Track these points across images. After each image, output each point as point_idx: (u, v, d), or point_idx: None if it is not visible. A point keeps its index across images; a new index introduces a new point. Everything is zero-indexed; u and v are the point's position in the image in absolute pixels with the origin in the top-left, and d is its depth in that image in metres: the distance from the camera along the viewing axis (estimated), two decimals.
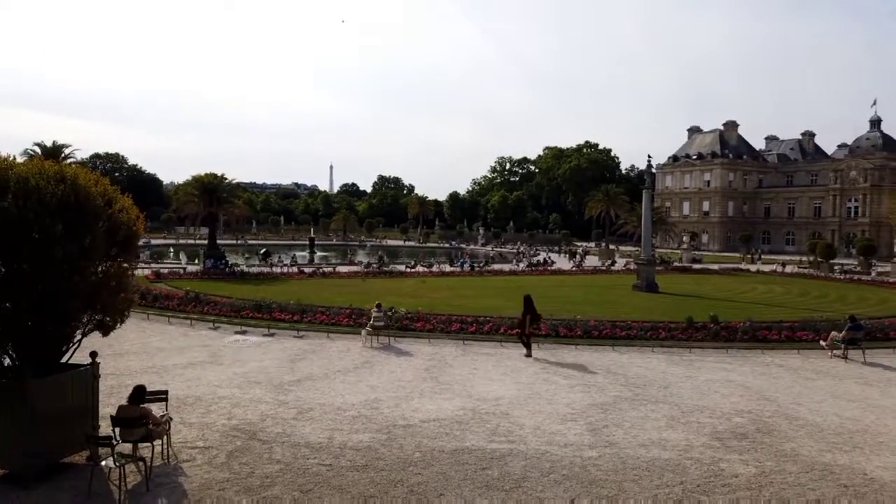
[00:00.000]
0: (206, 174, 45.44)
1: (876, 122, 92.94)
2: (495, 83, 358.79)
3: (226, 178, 46.16)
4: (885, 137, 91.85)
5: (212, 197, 43.85)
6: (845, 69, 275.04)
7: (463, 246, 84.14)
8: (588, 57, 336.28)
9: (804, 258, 62.61)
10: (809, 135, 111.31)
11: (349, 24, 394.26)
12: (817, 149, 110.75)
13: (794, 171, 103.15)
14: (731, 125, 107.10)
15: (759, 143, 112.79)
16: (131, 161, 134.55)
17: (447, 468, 9.11)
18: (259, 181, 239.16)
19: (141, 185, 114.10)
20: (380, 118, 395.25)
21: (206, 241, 50.00)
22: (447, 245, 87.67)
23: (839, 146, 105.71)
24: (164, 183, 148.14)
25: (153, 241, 68.96)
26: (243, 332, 20.17)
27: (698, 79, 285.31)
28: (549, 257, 61.28)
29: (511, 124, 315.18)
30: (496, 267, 51.55)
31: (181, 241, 75.74)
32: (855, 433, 11.15)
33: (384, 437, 10.42)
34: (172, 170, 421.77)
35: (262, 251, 52.94)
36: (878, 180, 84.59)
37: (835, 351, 18.31)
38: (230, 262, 43.75)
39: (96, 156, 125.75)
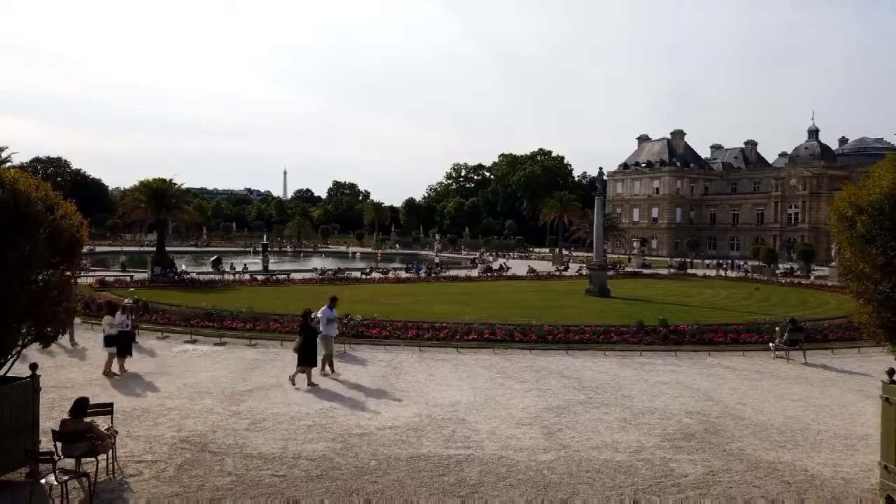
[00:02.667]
0: (155, 179, 44.21)
1: (814, 132, 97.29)
2: (450, 88, 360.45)
3: (175, 184, 45.01)
4: (823, 147, 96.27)
5: (160, 202, 42.67)
6: (786, 79, 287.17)
7: (425, 253, 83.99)
8: (543, 67, 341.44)
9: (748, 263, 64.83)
10: (752, 144, 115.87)
11: (305, 14, 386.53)
12: (759, 157, 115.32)
13: (738, 178, 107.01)
14: (679, 134, 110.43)
15: (704, 152, 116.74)
16: (75, 165, 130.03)
17: (404, 476, 9.08)
18: (210, 186, 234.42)
19: (85, 190, 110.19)
20: (335, 118, 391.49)
21: (154, 248, 48.63)
22: (406, 252, 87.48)
23: (780, 155, 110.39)
24: (110, 188, 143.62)
25: (98, 248, 66.69)
26: (193, 342, 19.67)
27: (647, 90, 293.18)
28: (505, 263, 61.84)
29: (468, 130, 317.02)
30: (452, 273, 51.71)
31: (128, 248, 73.43)
32: (797, 431, 11.59)
33: (339, 445, 10.31)
34: (119, 175, 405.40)
35: (213, 258, 51.78)
36: (816, 188, 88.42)
37: (777, 352, 19.01)
38: (179, 270, 42.65)
39: (37, 160, 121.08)
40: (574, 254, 77.47)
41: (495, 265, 58.68)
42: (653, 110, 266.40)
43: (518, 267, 58.57)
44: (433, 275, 48.85)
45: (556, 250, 77.50)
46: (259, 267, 51.20)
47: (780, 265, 61.66)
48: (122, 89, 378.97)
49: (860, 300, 8.65)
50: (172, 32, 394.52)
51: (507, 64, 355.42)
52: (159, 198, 42.69)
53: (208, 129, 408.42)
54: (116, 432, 9.54)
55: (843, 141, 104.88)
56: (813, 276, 53.29)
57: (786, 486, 8.95)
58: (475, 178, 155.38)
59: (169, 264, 42.02)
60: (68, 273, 9.48)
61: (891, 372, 8.61)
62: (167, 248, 47.27)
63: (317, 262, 60.76)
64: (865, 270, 8.31)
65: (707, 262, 72.15)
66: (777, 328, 20.16)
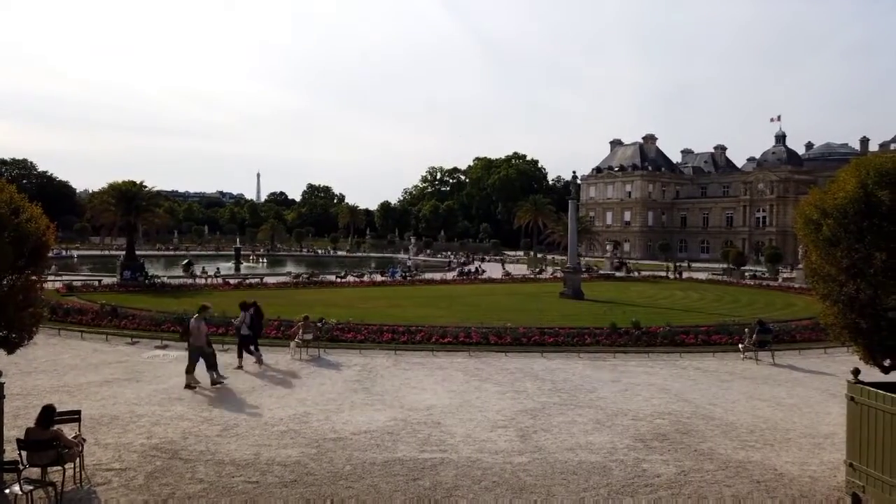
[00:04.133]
0: (124, 181, 43.39)
1: (781, 138, 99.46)
2: (427, 88, 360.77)
3: (145, 186, 44.22)
4: (790, 152, 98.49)
5: (130, 205, 41.87)
6: (754, 85, 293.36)
7: (401, 256, 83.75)
8: (518, 73, 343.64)
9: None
10: (721, 148, 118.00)
11: (282, 6, 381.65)
12: (728, 162, 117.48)
13: (708, 182, 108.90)
14: (650, 138, 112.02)
15: (675, 156, 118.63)
16: (41, 168, 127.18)
17: (378, 480, 9.03)
18: (182, 189, 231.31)
19: (52, 193, 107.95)
20: (311, 119, 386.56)
21: (123, 252, 47.73)
22: (381, 255, 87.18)
23: (748, 159, 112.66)
24: (78, 191, 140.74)
25: (65, 252, 65.26)
26: (164, 347, 19.35)
27: (621, 94, 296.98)
28: (480, 266, 62.02)
29: (444, 133, 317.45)
30: (428, 276, 51.67)
31: (97, 252, 71.96)
32: (766, 431, 11.82)
33: (314, 451, 10.23)
34: (87, 177, 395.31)
35: (184, 262, 51.01)
36: (783, 192, 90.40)
37: (746, 353, 19.37)
38: (150, 274, 41.93)
39: (2, 162, 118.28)
40: (548, 257, 77.98)
41: (471, 268, 58.82)
42: (626, 115, 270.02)
43: (493, 270, 58.75)
44: (408, 278, 48.76)
45: (531, 253, 77.97)
46: (231, 270, 50.64)
47: (749, 268, 62.86)
48: (90, 88, 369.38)
49: (826, 302, 8.85)
50: (142, 28, 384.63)
51: (485, 67, 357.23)
52: (129, 201, 41.90)
53: (180, 130, 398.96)
54: (84, 440, 9.34)
55: (809, 146, 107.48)
56: (780, 279, 54.41)
57: (755, 484, 9.12)
58: (450, 181, 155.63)
59: (139, 268, 41.29)
60: (34, 277, 9.26)
61: (856, 372, 8.82)
62: (137, 252, 46.45)
63: (291, 267, 60.26)
64: (831, 273, 8.50)
65: (679, 264, 73.15)
66: (746, 330, 20.55)
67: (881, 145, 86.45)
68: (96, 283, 37.96)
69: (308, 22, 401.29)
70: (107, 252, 69.64)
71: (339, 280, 45.97)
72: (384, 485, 8.87)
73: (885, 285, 7.76)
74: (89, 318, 23.01)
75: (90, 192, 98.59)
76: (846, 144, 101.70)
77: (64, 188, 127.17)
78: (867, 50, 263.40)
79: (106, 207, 43.09)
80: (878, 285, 7.86)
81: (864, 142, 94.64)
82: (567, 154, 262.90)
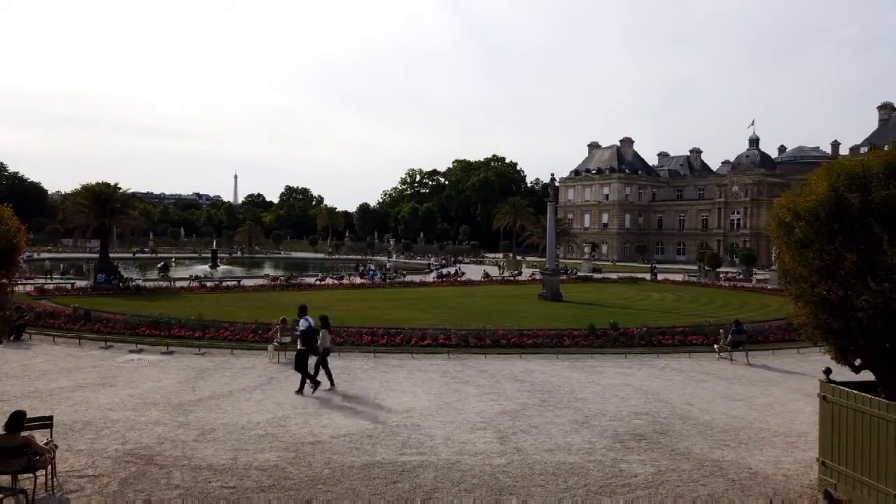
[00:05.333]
0: (98, 183, 42.71)
1: (754, 141, 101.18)
2: (407, 89, 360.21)
3: (120, 188, 43.57)
4: (763, 155, 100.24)
5: (104, 207, 41.19)
6: (731, 89, 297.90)
7: (381, 258, 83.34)
8: (501, 75, 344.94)
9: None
10: (697, 152, 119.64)
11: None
12: (704, 165, 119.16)
13: (684, 185, 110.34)
14: (627, 141, 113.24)
15: (652, 159, 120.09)
16: (11, 168, 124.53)
17: (357, 483, 8.99)
18: (157, 191, 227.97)
19: (23, 194, 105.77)
20: (289, 119, 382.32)
21: (97, 255, 46.92)
22: (360, 257, 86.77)
23: (723, 163, 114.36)
24: (50, 192, 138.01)
25: (37, 255, 63.95)
26: (139, 351, 19.05)
27: (597, 97, 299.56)
28: (460, 268, 62.07)
29: (424, 135, 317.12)
30: (407, 278, 51.58)
31: (69, 255, 70.63)
32: (740, 430, 11.99)
33: (292, 455, 10.14)
34: (59, 179, 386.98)
35: (160, 264, 50.30)
36: (757, 194, 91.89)
37: (721, 353, 19.65)
38: (124, 277, 41.27)
39: None
40: (527, 259, 78.33)
41: (450, 270, 58.85)
42: (604, 118, 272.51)
43: (472, 272, 58.84)
44: (388, 280, 48.63)
45: (510, 255, 78.24)
46: (208, 273, 50.02)
47: (724, 269, 63.75)
48: (62, 87, 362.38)
49: (798, 302, 8.99)
50: (115, 25, 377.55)
51: (468, 69, 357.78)
52: (103, 203, 41.23)
53: (156, 129, 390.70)
54: (56, 446, 9.15)
55: (781, 149, 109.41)
56: (755, 280, 55.27)
57: (730, 483, 9.24)
58: (430, 183, 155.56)
59: (113, 271, 40.65)
60: (5, 280, 9.07)
61: (827, 371, 8.99)
62: (111, 255, 45.70)
63: (269, 270, 59.71)
64: (803, 274, 8.65)
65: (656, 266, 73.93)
66: (721, 330, 20.84)
67: (851, 149, 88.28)
68: (69, 286, 37.26)
69: (286, 20, 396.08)
70: (80, 255, 68.40)
71: (317, 283, 45.68)
72: (363, 488, 8.83)
73: (856, 286, 7.91)
74: (62, 322, 22.60)
75: (63, 193, 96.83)
76: (818, 148, 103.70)
77: (35, 189, 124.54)
78: (840, 57, 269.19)
79: (79, 209, 42.34)
80: (848, 286, 8.01)
81: (835, 145, 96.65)
82: (545, 156, 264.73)
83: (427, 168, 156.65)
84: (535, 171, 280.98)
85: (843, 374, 8.98)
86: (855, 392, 8.34)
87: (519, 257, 77.82)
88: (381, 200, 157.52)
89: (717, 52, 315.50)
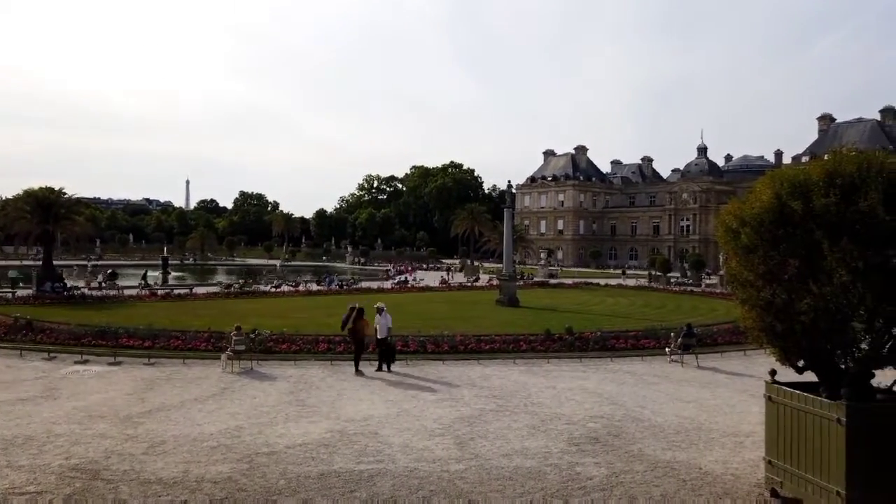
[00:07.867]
0: (41, 188, 41.20)
1: (703, 150, 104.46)
2: (369, 89, 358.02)
3: (65, 193, 42.10)
4: (711, 163, 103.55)
5: (48, 213, 39.72)
6: (679, 101, 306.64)
7: (340, 265, 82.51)
8: (460, 81, 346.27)
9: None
10: (648, 160, 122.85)
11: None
12: (655, 172, 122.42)
13: (636, 192, 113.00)
14: (582, 149, 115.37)
15: (605, 167, 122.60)
16: None
17: (314, 494, 8.86)
18: (105, 196, 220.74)
19: None
20: (243, 119, 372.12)
21: (40, 262, 45.13)
22: (317, 263, 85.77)
23: (673, 171, 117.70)
24: None
25: None
26: (84, 362, 18.38)
27: (553, 105, 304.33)
28: (417, 275, 62.04)
29: (382, 140, 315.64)
30: (365, 285, 51.25)
31: (11, 262, 67.70)
32: (691, 431, 12.30)
33: (246, 466, 9.93)
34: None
35: (107, 272, 48.69)
36: (705, 202, 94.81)
37: (673, 357, 20.14)
38: (69, 285, 39.80)
39: None
40: (484, 265, 78.82)
41: (407, 277, 58.74)
42: (558, 126, 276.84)
43: (430, 278, 58.88)
44: (345, 287, 48.22)
45: (468, 261, 78.64)
46: (159, 281, 48.67)
47: (674, 274, 65.43)
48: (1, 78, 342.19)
49: (745, 306, 9.29)
50: (59, 13, 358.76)
51: (432, 65, 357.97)
52: (46, 208, 39.76)
53: (104, 127, 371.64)
54: None
55: (728, 158, 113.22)
56: (704, 285, 56.86)
57: (682, 483, 9.47)
58: (388, 189, 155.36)
59: (57, 279, 39.17)
60: None
61: (773, 372, 9.31)
62: (55, 262, 44.02)
63: (223, 277, 58.43)
64: (749, 279, 8.94)
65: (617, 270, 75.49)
66: (672, 334, 21.37)
67: (794, 158, 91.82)
68: (10, 294, 35.74)
69: (244, 8, 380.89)
70: (22, 262, 65.66)
71: (273, 290, 44.95)
72: (320, 498, 8.71)
73: (798, 290, 8.22)
74: (2, 333, 21.66)
75: (3, 198, 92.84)
76: (762, 157, 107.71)
77: None
78: (782, 65, 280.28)
79: (21, 215, 40.76)
80: (791, 290, 8.32)
81: (779, 154, 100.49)
82: (501, 163, 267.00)
83: (385, 174, 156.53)
84: (492, 177, 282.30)
85: (787, 375, 9.30)
86: (798, 392, 8.65)
87: (476, 263, 78.25)
88: (338, 206, 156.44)
89: (677, 63, 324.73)
